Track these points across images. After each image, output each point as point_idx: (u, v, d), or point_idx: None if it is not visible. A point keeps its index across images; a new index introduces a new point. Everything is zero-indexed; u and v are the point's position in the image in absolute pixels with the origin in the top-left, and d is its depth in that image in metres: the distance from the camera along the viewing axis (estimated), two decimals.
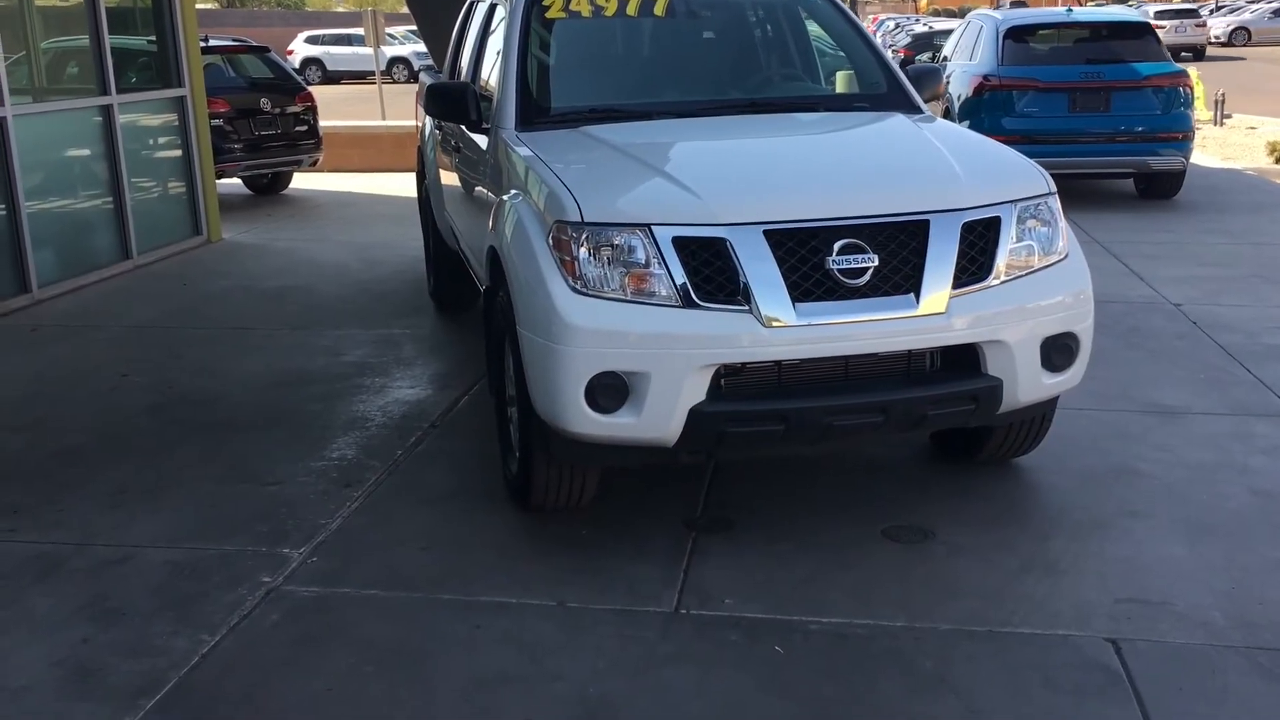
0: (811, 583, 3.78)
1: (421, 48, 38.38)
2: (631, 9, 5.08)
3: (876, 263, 3.71)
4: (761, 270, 3.64)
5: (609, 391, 3.68)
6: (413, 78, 36.16)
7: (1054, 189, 4.12)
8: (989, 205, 3.91)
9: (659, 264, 3.67)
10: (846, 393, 3.80)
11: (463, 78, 6.30)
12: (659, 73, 5.14)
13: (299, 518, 4.35)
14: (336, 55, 37.77)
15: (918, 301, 3.75)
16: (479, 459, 4.86)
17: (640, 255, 3.69)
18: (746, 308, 3.63)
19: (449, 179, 6.26)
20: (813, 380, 3.80)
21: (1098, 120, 10.51)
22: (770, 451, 4.31)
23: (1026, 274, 3.95)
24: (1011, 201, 3.97)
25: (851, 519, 4.23)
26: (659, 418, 3.66)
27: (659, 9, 5.11)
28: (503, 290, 4.24)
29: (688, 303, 3.65)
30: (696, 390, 3.67)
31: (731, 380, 3.72)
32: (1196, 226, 9.72)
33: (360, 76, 35.69)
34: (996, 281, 3.87)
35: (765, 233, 3.68)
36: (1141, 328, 6.66)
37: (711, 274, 3.66)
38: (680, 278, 3.65)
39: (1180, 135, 10.57)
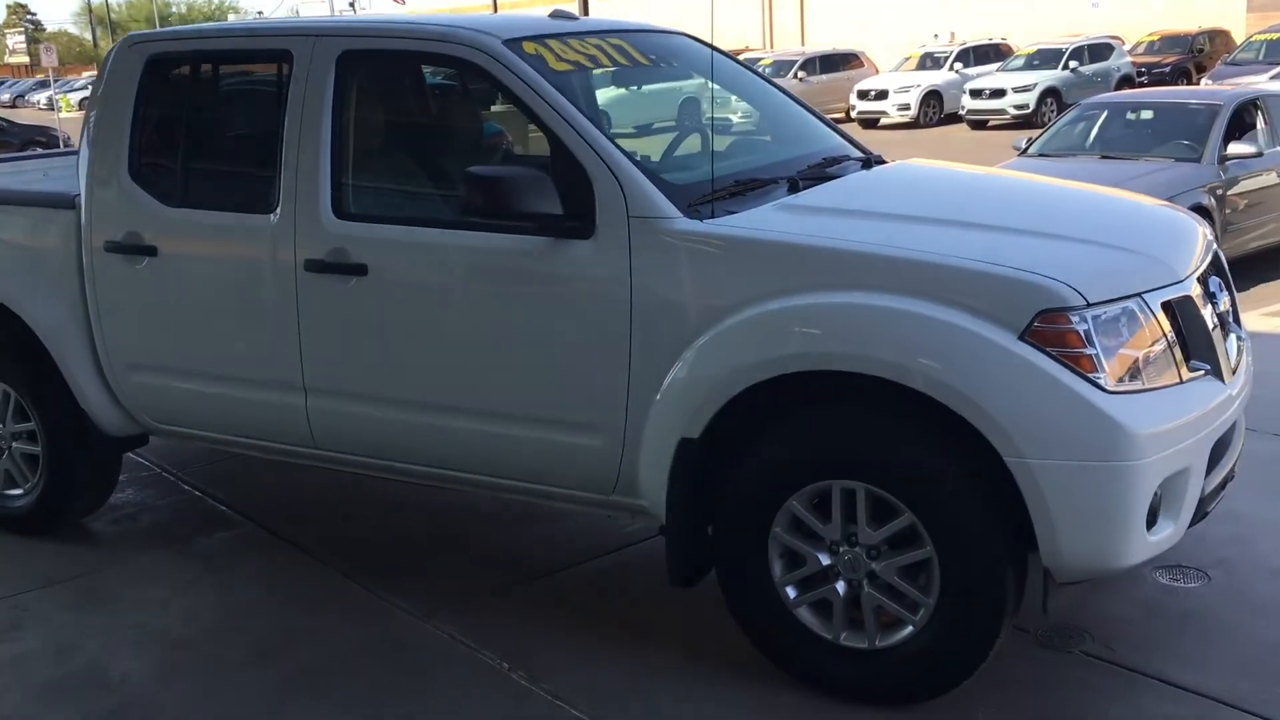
0: None
1: None
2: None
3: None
4: (1209, 324, 3.42)
5: (1158, 503, 3.18)
6: None
7: None
8: None
9: (1161, 339, 3.27)
10: (1222, 458, 3.52)
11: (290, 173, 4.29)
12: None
13: None
14: None
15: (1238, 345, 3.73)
16: None
17: (1148, 332, 3.25)
18: (1209, 368, 3.37)
19: (231, 310, 4.33)
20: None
21: None
22: None
23: None
24: None
25: None
26: (1186, 517, 3.27)
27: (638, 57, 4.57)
28: (784, 446, 3.45)
29: (1185, 375, 3.30)
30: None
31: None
32: None
33: None
34: None
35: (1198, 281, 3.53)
36: None
37: (1176, 339, 3.33)
38: (1178, 348, 3.30)
39: None
